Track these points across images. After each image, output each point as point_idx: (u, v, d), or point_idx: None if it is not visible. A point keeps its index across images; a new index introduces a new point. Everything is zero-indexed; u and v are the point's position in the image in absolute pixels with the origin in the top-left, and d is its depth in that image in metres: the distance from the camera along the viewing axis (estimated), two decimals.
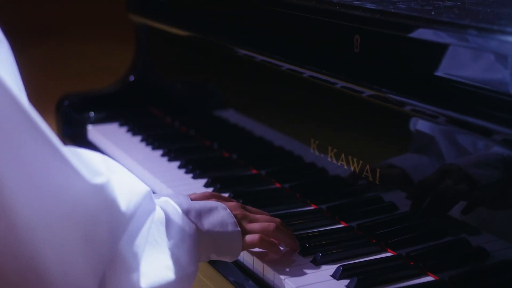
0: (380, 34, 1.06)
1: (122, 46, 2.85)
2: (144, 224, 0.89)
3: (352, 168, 1.19)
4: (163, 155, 1.56)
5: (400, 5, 1.07)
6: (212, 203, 1.06)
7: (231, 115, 1.58)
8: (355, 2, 1.11)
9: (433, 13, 0.99)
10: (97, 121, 1.81)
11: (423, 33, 0.96)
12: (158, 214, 0.95)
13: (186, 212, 0.99)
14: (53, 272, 0.81)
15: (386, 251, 1.11)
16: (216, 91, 1.69)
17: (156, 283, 0.90)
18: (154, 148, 1.60)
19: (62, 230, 0.81)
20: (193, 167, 1.46)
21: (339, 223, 1.21)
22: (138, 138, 1.67)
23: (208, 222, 1.01)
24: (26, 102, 0.77)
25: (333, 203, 1.25)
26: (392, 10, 1.02)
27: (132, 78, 1.88)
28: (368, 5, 1.07)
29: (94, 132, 1.75)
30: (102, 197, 0.83)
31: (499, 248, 0.99)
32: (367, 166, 1.15)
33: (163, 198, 1.01)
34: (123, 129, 1.75)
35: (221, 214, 1.04)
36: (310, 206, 1.28)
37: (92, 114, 1.83)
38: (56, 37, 5.41)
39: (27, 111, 0.77)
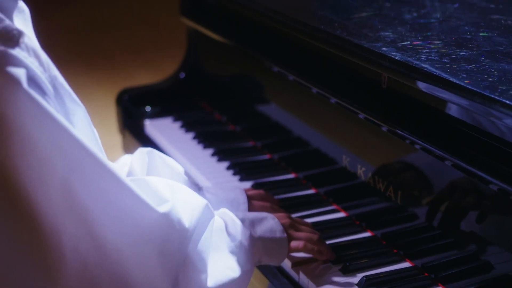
0: (403, 83, 1.24)
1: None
2: (205, 230, 1.11)
3: (378, 187, 1.38)
4: (213, 154, 1.76)
5: (422, 57, 1.24)
6: (262, 213, 1.27)
7: (275, 115, 1.77)
8: (383, 49, 1.28)
9: (453, 70, 1.16)
10: (153, 115, 2.02)
11: (442, 93, 1.13)
12: (219, 223, 1.16)
13: (242, 221, 1.21)
14: (137, 280, 1.02)
15: (405, 261, 1.31)
16: (261, 92, 1.88)
17: (220, 282, 1.11)
18: (206, 147, 1.81)
19: (141, 249, 1.02)
20: (239, 169, 1.67)
21: (366, 231, 1.41)
22: (190, 135, 1.88)
23: (260, 230, 1.22)
24: (104, 157, 0.97)
25: (361, 211, 1.45)
26: (414, 65, 1.19)
27: (183, 75, 2.08)
28: (394, 54, 1.24)
29: (150, 127, 1.96)
30: (170, 221, 1.04)
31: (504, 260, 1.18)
32: (390, 187, 1.35)
33: (222, 209, 1.23)
34: (177, 125, 1.96)
35: (270, 222, 1.25)
36: (341, 212, 1.49)
37: (148, 108, 2.04)
38: None
39: (107, 165, 0.97)
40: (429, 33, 1.42)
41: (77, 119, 1.01)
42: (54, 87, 0.96)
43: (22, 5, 1.02)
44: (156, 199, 1.03)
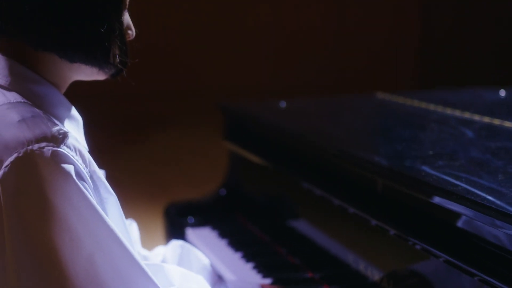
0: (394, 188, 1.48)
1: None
2: None
3: (377, 280, 1.59)
4: (242, 257, 2.01)
5: (407, 161, 1.49)
6: None
7: (298, 226, 2.02)
8: (375, 158, 1.54)
9: (463, 184, 1.39)
10: (195, 224, 2.29)
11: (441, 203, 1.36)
12: None
13: None
14: None
15: None
16: (287, 207, 2.14)
17: None
18: (236, 250, 2.06)
19: None
20: (263, 268, 1.90)
21: None
22: (225, 242, 2.14)
23: None
24: (126, 240, 1.19)
25: None
26: (400, 170, 1.45)
27: (223, 192, 2.37)
28: (383, 162, 1.50)
29: (192, 235, 2.23)
30: None
31: None
32: (385, 279, 1.56)
33: None
34: (215, 233, 2.22)
35: None
36: None
37: (191, 219, 2.31)
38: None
39: (127, 247, 1.18)
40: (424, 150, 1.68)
41: (109, 206, 1.26)
42: (92, 179, 1.22)
43: (77, 115, 1.32)
44: (165, 282, 1.25)
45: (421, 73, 4.78)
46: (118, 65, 1.28)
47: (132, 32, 1.31)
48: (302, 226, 2.00)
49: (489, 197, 1.25)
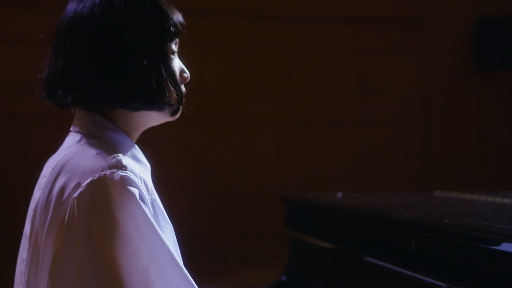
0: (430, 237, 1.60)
1: None
2: None
3: None
4: None
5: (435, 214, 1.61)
6: None
7: None
8: (405, 215, 1.67)
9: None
10: None
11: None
12: None
13: None
14: None
15: None
16: None
17: None
18: None
19: None
20: None
21: None
22: None
23: None
24: (179, 260, 1.38)
25: None
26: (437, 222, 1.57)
27: (284, 278, 2.49)
28: (415, 219, 1.63)
29: None
30: None
31: None
32: None
33: None
34: None
35: None
36: None
37: None
38: None
39: (180, 266, 1.36)
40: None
41: (166, 233, 1.44)
42: (153, 206, 1.42)
43: (145, 160, 1.52)
44: None
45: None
46: (175, 103, 1.48)
47: (187, 75, 1.53)
48: None
49: None
